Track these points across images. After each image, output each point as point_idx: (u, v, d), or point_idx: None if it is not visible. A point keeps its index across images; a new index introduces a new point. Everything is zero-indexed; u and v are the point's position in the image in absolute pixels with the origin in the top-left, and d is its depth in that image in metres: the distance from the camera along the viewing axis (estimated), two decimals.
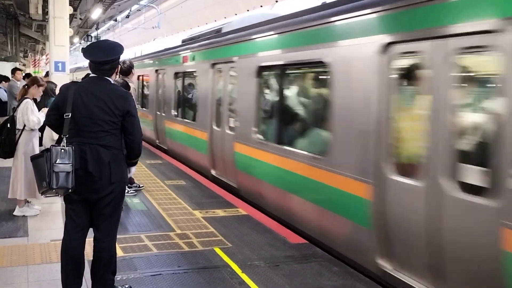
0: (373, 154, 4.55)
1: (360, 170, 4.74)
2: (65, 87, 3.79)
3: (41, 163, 3.50)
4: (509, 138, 3.30)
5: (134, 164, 4.10)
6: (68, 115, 3.59)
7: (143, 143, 10.19)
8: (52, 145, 3.51)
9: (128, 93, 3.88)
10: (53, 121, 3.76)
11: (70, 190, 3.50)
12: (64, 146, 3.49)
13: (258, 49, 7.17)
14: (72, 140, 3.57)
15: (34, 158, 3.65)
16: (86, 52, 3.78)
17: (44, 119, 6.05)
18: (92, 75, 3.79)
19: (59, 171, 3.42)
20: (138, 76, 15.07)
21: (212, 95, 9.06)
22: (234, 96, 8.08)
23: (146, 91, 15.36)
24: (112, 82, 3.82)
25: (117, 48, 3.81)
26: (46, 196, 3.71)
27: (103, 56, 3.71)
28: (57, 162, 3.43)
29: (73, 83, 3.88)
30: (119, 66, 4.00)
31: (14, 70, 13.08)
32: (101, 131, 3.60)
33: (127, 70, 7.29)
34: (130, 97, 3.81)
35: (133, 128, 3.76)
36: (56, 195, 3.66)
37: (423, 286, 4.12)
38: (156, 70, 13.44)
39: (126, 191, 7.30)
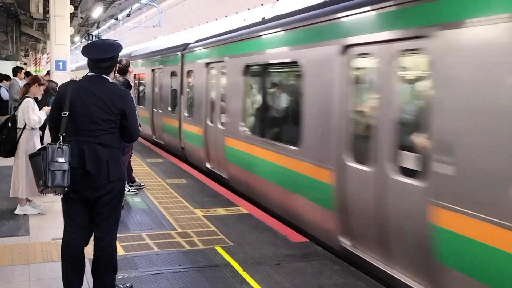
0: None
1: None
2: (63, 86, 3.78)
3: (38, 162, 3.50)
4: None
5: None
6: (66, 114, 3.58)
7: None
8: (49, 144, 3.50)
9: (127, 92, 3.88)
10: (56, 121, 3.70)
11: (66, 189, 3.49)
12: (60, 144, 3.49)
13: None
14: (70, 138, 3.57)
15: (32, 157, 3.64)
16: (84, 50, 3.79)
17: (44, 118, 6.09)
18: (90, 73, 3.79)
19: (55, 169, 3.42)
20: (249, 67, 7.83)
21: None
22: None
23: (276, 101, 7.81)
24: (111, 80, 3.82)
25: (115, 47, 3.82)
26: (54, 195, 3.69)
27: (101, 53, 3.72)
28: (53, 160, 3.42)
29: (71, 81, 3.88)
30: (117, 65, 4.00)
31: (19, 69, 12.84)
32: (99, 129, 3.59)
33: (124, 69, 7.29)
34: (129, 95, 3.81)
35: (133, 128, 3.77)
36: (56, 194, 3.65)
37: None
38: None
39: (128, 189, 7.33)
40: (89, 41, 22.19)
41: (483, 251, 3.45)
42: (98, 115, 3.58)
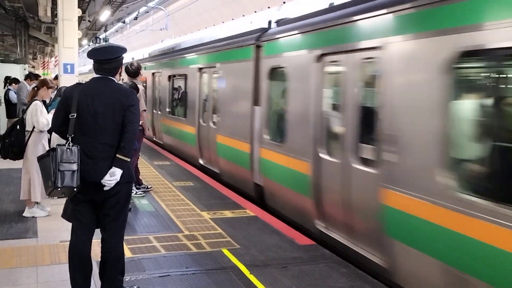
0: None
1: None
2: (69, 88, 3.84)
3: (47, 163, 3.53)
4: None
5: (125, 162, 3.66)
6: (74, 115, 3.62)
7: None
8: (58, 145, 3.54)
9: (132, 90, 3.96)
10: (58, 125, 3.73)
11: (75, 190, 3.51)
12: (69, 145, 3.52)
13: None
14: (79, 140, 3.60)
15: (40, 158, 3.68)
16: (89, 53, 3.85)
17: None
18: (96, 76, 3.83)
19: (65, 170, 3.45)
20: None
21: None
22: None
23: None
24: (116, 82, 3.86)
25: (119, 49, 3.88)
26: (58, 197, 3.70)
27: (105, 55, 3.77)
28: (62, 161, 3.46)
29: (77, 84, 3.93)
30: (123, 67, 4.05)
31: (35, 76, 12.81)
32: (107, 129, 3.62)
33: (135, 72, 7.33)
34: (133, 93, 3.87)
35: (134, 118, 3.68)
36: (63, 196, 3.67)
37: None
38: None
39: (135, 192, 7.35)
40: (97, 44, 22.29)
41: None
42: (106, 115, 3.61)
